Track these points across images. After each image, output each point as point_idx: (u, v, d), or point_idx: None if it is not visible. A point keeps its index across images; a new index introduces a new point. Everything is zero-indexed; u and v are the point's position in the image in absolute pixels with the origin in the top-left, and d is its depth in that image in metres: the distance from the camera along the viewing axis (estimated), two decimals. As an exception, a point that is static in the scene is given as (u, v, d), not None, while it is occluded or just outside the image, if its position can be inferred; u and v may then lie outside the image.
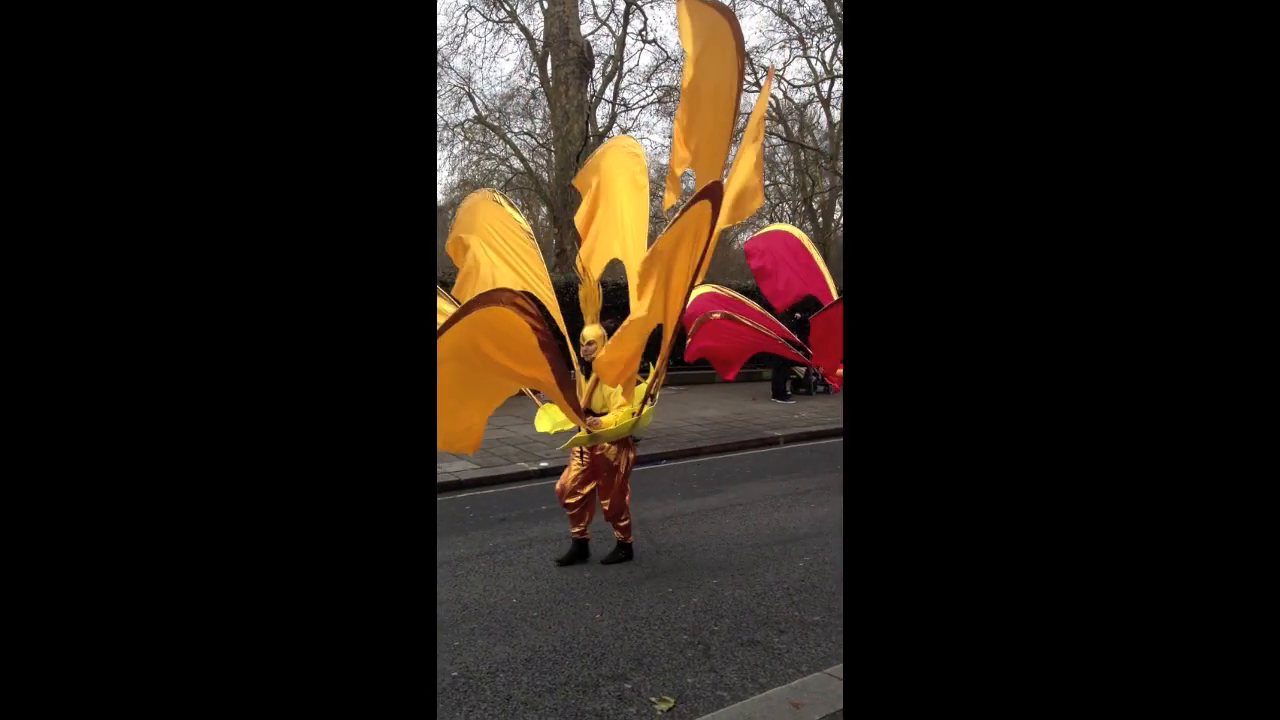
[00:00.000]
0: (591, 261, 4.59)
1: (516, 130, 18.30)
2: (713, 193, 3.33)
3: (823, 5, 19.06)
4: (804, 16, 19.99)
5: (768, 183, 24.04)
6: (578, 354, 4.47)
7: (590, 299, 4.43)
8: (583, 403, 4.27)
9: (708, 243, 3.57)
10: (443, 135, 16.79)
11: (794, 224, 24.63)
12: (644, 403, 4.30)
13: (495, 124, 17.65)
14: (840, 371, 7.53)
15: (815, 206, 22.23)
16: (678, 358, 6.27)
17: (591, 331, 4.37)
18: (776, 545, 4.78)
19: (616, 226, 4.57)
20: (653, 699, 2.90)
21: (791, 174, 22.99)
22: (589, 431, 4.18)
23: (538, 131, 18.63)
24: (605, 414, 4.29)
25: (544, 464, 7.11)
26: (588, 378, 4.37)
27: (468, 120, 17.41)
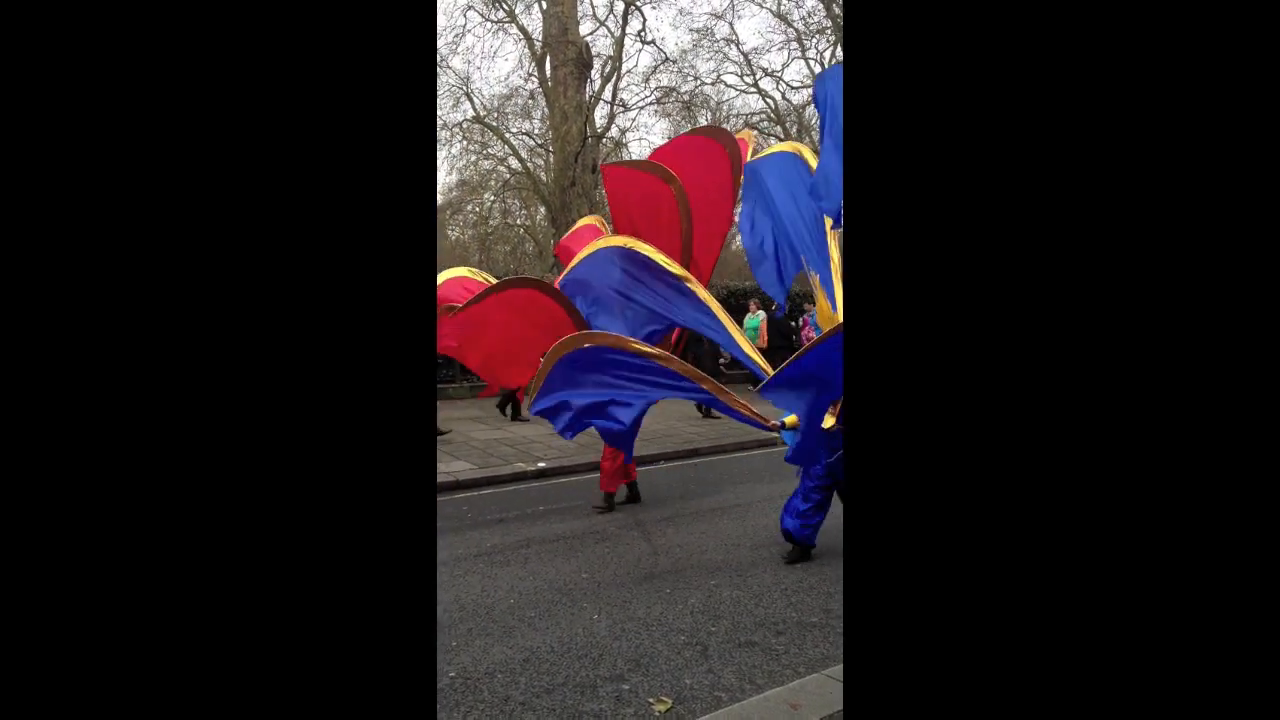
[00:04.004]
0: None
1: (515, 130, 18.29)
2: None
3: (821, 7, 19.12)
4: (803, 18, 20.02)
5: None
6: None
7: None
8: None
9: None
10: (441, 135, 16.74)
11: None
12: None
13: (494, 124, 17.62)
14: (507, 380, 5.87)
15: (813, 208, 22.22)
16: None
17: None
18: (774, 546, 4.77)
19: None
20: (650, 700, 2.89)
21: (789, 175, 22.94)
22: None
23: (536, 132, 18.60)
24: None
25: (541, 464, 7.10)
26: None
27: (466, 120, 17.39)
